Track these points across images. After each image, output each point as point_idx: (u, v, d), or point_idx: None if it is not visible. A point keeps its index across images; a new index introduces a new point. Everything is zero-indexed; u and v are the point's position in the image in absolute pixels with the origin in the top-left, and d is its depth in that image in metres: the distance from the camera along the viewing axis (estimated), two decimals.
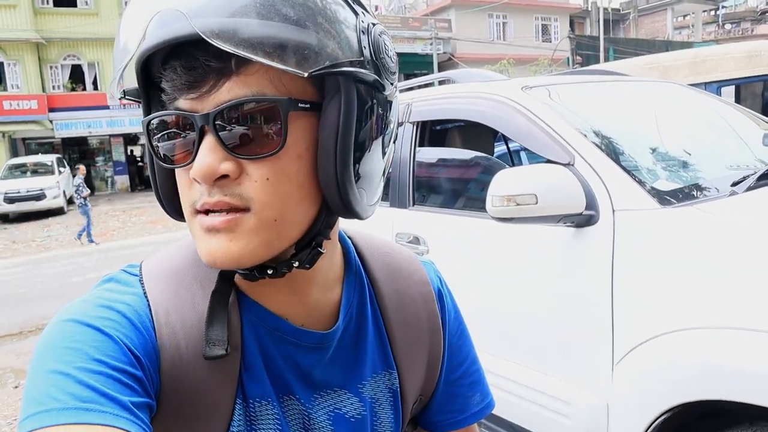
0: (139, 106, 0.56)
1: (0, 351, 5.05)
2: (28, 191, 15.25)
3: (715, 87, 4.20)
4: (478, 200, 2.27)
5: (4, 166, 16.68)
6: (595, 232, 1.63)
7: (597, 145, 1.78)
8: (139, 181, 22.08)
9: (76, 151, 21.75)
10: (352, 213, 0.55)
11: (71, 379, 0.45)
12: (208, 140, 0.49)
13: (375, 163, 0.57)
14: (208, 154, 0.49)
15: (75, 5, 19.86)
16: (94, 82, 20.34)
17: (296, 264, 0.55)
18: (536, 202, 1.61)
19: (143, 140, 0.56)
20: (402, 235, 2.39)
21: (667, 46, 24.07)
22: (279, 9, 0.46)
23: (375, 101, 0.54)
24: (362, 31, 0.52)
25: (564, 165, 1.72)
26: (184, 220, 0.56)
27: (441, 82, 3.06)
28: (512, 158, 3.99)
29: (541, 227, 1.78)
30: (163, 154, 0.53)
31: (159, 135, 0.53)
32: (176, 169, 0.53)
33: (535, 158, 3.94)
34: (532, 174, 1.68)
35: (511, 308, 1.93)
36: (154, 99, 0.54)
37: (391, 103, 0.58)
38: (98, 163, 21.84)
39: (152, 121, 0.52)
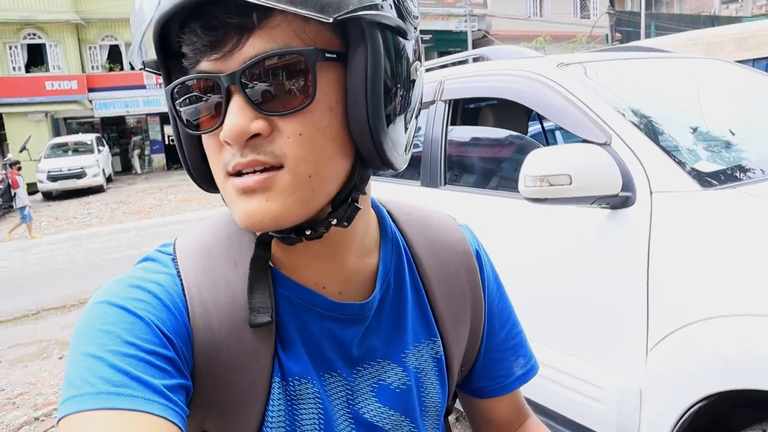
0: (160, 78, 0.55)
1: (45, 324, 5.27)
2: (69, 169, 15.74)
3: (764, 64, 4.02)
4: (511, 180, 2.23)
5: (46, 145, 17.22)
6: (632, 214, 1.58)
7: (635, 124, 1.72)
8: (175, 160, 22.50)
9: (114, 130, 22.29)
10: (386, 163, 0.53)
11: (103, 363, 0.46)
12: (236, 100, 0.48)
13: (398, 128, 0.55)
14: (238, 114, 0.47)
15: None
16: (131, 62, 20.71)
17: (334, 221, 0.54)
18: (570, 183, 1.58)
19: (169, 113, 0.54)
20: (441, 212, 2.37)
21: (713, 21, 23.10)
22: None
23: (400, 48, 0.53)
24: None
25: (600, 145, 1.67)
26: (216, 191, 0.56)
27: (475, 60, 3.00)
28: (547, 138, 3.91)
29: (575, 208, 1.74)
30: (189, 121, 0.52)
31: (184, 102, 0.51)
32: (204, 135, 0.52)
33: (570, 138, 3.85)
34: (566, 154, 1.64)
35: (542, 291, 1.90)
36: (174, 67, 0.52)
37: (412, 63, 0.55)
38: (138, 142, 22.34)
39: (176, 88, 0.51)
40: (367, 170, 0.55)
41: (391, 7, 0.50)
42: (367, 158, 0.53)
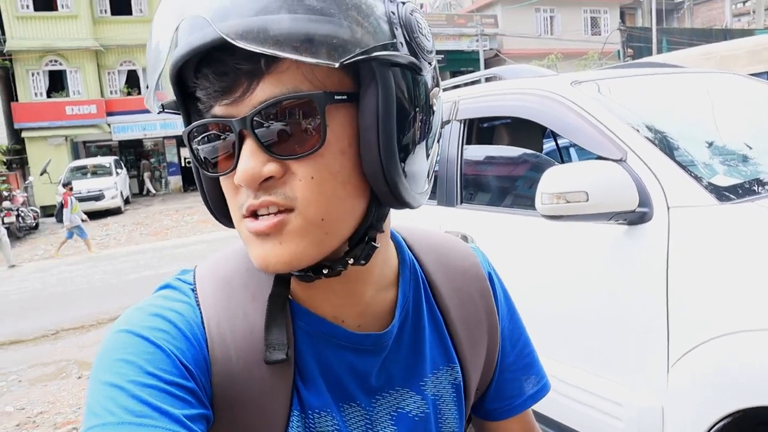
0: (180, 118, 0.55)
1: (64, 344, 5.33)
2: (88, 191, 16.01)
3: None
4: (526, 198, 2.24)
5: (66, 168, 17.55)
6: (649, 230, 1.58)
7: (650, 140, 1.73)
8: (191, 182, 22.78)
9: (132, 153, 22.66)
10: (401, 202, 0.53)
11: (125, 393, 0.47)
12: (249, 144, 0.48)
13: (418, 157, 0.55)
14: (250, 158, 0.48)
15: (130, 13, 20.66)
16: None
17: (351, 260, 0.54)
18: (587, 200, 1.58)
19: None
20: (450, 233, 2.38)
21: (726, 34, 23.00)
22: (302, 0, 0.45)
23: (416, 82, 0.52)
24: (392, 12, 0.50)
25: (616, 161, 1.68)
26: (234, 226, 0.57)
27: (488, 80, 3.03)
28: (561, 155, 3.91)
29: (592, 225, 1.75)
30: (207, 160, 0.52)
31: (200, 144, 0.52)
32: (221, 177, 0.53)
33: (585, 155, 3.85)
34: (582, 171, 1.64)
35: (560, 307, 1.90)
36: (193, 109, 0.53)
37: (429, 88, 0.55)
38: (152, 164, 22.67)
39: (192, 131, 0.52)
40: (384, 209, 0.55)
41: (402, 45, 0.50)
42: (382, 199, 0.53)
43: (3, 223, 11.53)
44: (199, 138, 0.52)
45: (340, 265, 0.54)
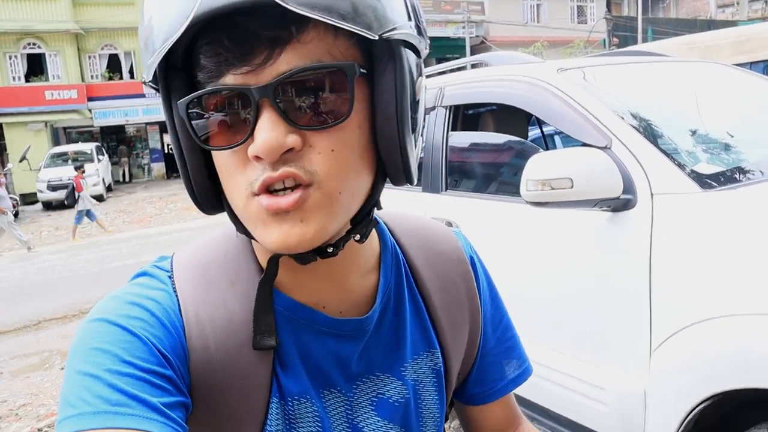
0: (157, 94, 0.52)
1: (46, 334, 5.28)
2: (69, 179, 15.69)
3: (761, 67, 4.04)
4: (511, 185, 2.25)
5: (46, 154, 17.25)
6: (633, 217, 1.59)
7: (635, 127, 1.74)
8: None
9: (114, 140, 22.33)
10: (408, 177, 0.53)
11: (101, 382, 0.46)
12: (268, 114, 0.46)
13: (417, 140, 0.56)
14: (272, 128, 0.45)
15: None
16: (131, 71, 20.77)
17: (357, 237, 0.54)
18: (572, 186, 1.59)
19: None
20: (434, 220, 2.38)
21: (710, 25, 23.16)
22: None
23: (416, 65, 0.53)
24: None
25: (601, 148, 1.68)
26: (216, 212, 0.55)
27: (473, 66, 3.02)
28: (546, 142, 3.93)
29: (576, 212, 1.76)
30: (206, 138, 0.49)
31: (201, 116, 0.48)
32: (223, 153, 0.49)
33: (568, 142, 3.87)
34: (567, 158, 1.65)
35: (545, 293, 1.91)
36: (175, 85, 0.50)
37: (421, 76, 0.56)
38: (135, 150, 22.37)
39: (191, 103, 0.48)
40: (383, 185, 0.55)
41: (412, 28, 0.51)
42: (392, 173, 0.53)
43: None
44: (200, 110, 0.48)
45: (342, 243, 0.53)
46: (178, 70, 0.50)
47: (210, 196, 0.53)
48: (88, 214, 10.87)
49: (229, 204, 0.52)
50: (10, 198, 14.61)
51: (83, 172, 11.53)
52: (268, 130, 0.45)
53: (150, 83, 0.52)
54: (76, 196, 10.72)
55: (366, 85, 0.50)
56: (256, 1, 0.43)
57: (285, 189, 0.47)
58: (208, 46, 0.46)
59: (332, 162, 0.48)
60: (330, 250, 0.52)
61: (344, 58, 0.48)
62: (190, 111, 0.49)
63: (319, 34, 0.46)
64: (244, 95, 0.46)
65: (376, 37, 0.46)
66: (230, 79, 0.47)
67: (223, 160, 0.50)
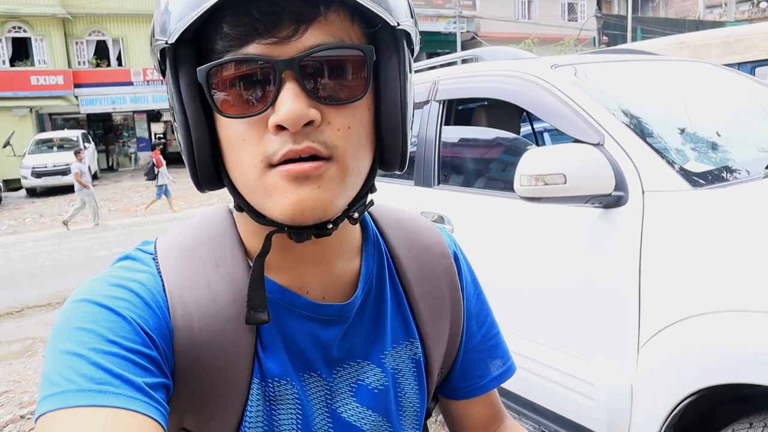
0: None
1: (30, 321, 5.22)
2: (54, 166, 15.53)
3: (749, 67, 4.09)
4: (503, 180, 2.26)
5: (31, 140, 16.99)
6: (624, 213, 1.61)
7: (627, 124, 1.75)
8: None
9: (101, 127, 22.03)
10: (403, 162, 0.57)
11: (85, 361, 0.46)
12: (291, 86, 0.47)
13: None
14: (295, 99, 0.47)
15: None
16: (118, 58, 20.47)
17: (356, 215, 0.56)
18: (565, 182, 1.60)
19: (167, 116, 0.53)
20: (426, 214, 2.39)
21: (698, 25, 23.35)
22: None
23: (408, 62, 0.56)
24: None
25: (594, 145, 1.70)
26: (215, 188, 0.55)
27: (464, 61, 3.02)
28: (537, 138, 3.95)
29: (568, 207, 1.77)
30: (224, 106, 0.50)
31: (223, 85, 0.49)
32: (238, 123, 0.50)
33: (558, 139, 3.89)
34: (561, 153, 1.66)
35: (535, 288, 1.93)
36: (183, 56, 0.50)
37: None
38: (122, 139, 22.10)
39: (212, 70, 0.49)
40: (377, 169, 0.57)
41: (411, 24, 0.55)
42: (389, 157, 0.56)
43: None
44: (222, 77, 0.49)
45: (340, 221, 0.55)
46: (187, 43, 0.50)
47: (211, 173, 0.54)
48: (165, 190, 11.09)
49: (230, 178, 0.53)
50: None
51: (161, 148, 11.79)
52: (292, 100, 0.47)
53: (157, 51, 0.52)
54: (156, 172, 10.96)
55: (371, 72, 0.52)
56: None
57: (302, 160, 0.49)
58: (234, 17, 0.47)
59: (349, 139, 0.51)
60: (330, 226, 0.54)
61: (359, 41, 0.52)
62: (210, 79, 0.49)
63: (339, 17, 0.49)
64: (268, 66, 0.48)
65: (398, 24, 0.51)
66: (253, 49, 0.48)
67: (237, 130, 0.50)
